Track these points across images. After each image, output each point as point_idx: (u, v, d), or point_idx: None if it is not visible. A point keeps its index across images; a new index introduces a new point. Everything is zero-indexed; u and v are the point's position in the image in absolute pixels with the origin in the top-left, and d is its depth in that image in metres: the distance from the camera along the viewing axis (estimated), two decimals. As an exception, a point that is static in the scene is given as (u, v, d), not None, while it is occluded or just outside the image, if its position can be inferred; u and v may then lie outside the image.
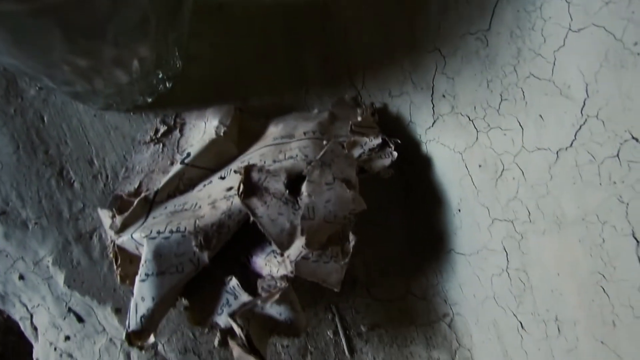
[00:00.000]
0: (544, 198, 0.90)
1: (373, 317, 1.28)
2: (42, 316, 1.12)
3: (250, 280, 0.99)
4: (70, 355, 1.12)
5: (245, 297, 0.94)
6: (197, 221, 0.92)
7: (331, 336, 1.26)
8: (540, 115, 0.86)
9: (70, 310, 1.11)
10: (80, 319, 1.11)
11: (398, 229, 1.30)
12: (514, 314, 1.06)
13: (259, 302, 0.92)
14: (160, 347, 1.14)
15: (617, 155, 0.74)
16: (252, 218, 0.93)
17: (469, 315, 1.23)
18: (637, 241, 0.75)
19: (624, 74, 0.70)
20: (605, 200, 0.78)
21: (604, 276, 0.83)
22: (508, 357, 1.13)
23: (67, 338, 1.11)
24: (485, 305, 1.15)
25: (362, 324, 1.27)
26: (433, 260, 1.27)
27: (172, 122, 1.13)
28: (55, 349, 1.12)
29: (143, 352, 1.10)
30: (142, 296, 0.90)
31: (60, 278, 1.08)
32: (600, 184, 0.78)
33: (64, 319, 1.11)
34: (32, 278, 1.08)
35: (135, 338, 0.90)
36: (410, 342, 1.29)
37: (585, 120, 0.77)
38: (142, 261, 0.90)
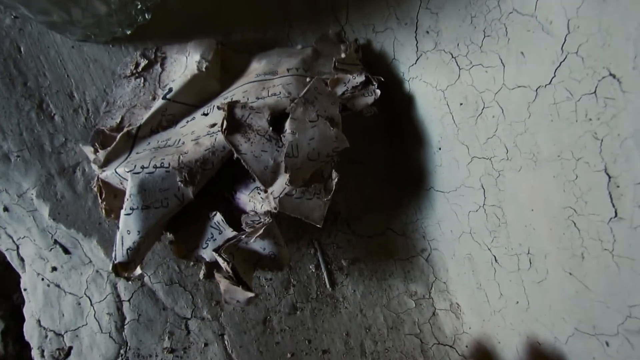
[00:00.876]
0: (522, 136, 0.91)
1: (354, 251, 1.32)
2: (28, 248, 1.13)
3: (234, 215, 1.00)
4: (57, 286, 1.14)
5: (229, 232, 0.96)
6: (181, 157, 0.92)
7: (313, 270, 1.30)
8: (522, 52, 0.86)
9: (56, 242, 1.11)
10: (66, 251, 1.12)
11: (379, 167, 1.32)
12: (489, 248, 1.10)
13: (243, 237, 0.94)
14: (146, 278, 1.16)
15: (595, 92, 0.75)
16: (235, 155, 0.93)
17: (445, 250, 1.28)
18: (609, 177, 0.77)
19: (604, 9, 0.70)
20: (581, 137, 0.79)
21: (575, 211, 0.86)
22: (481, 288, 1.18)
23: (54, 269, 1.13)
24: (462, 240, 1.19)
25: (343, 258, 1.31)
26: (413, 198, 1.30)
27: (153, 56, 1.10)
28: (42, 279, 1.14)
29: (130, 282, 1.12)
30: (127, 229, 0.91)
31: (45, 211, 1.09)
32: (577, 120, 0.79)
33: (50, 250, 1.12)
34: (16, 210, 1.09)
35: (121, 269, 0.92)
36: (389, 275, 1.34)
37: (566, 57, 0.78)
38: (127, 195, 0.91)
